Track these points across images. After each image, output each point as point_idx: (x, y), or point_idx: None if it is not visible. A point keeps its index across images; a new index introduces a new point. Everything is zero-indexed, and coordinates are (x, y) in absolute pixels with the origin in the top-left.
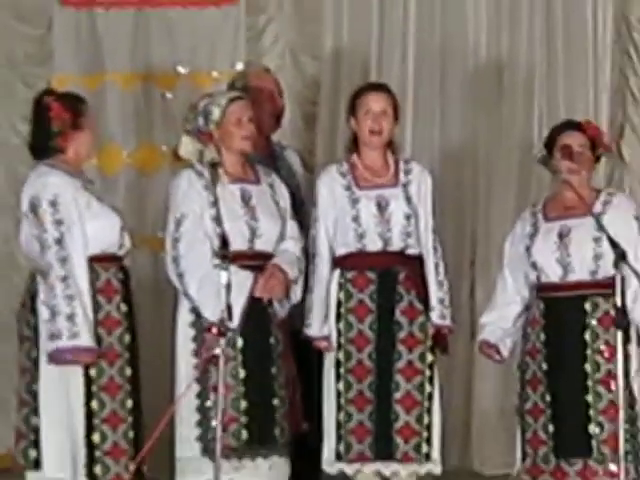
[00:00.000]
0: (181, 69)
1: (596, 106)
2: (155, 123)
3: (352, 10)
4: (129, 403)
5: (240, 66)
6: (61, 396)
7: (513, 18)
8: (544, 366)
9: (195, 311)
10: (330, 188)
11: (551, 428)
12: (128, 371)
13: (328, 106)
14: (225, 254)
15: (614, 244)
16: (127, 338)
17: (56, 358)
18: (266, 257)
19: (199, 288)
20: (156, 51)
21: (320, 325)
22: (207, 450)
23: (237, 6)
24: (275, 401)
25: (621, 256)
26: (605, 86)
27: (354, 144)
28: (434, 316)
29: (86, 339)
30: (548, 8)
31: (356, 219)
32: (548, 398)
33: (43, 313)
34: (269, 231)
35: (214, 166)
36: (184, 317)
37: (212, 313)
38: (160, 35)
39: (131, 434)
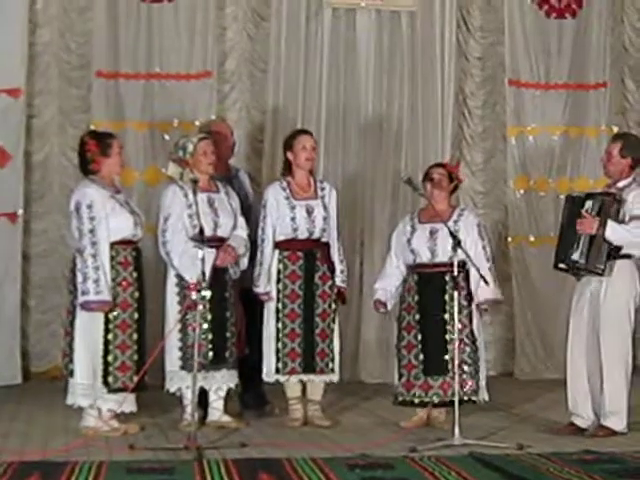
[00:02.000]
0: (175, 119)
1: (442, 148)
2: (157, 154)
3: (286, 82)
4: (135, 336)
5: (213, 117)
6: (89, 330)
7: (389, 89)
8: (417, 316)
9: (179, 276)
10: (275, 197)
11: (421, 357)
12: (135, 315)
13: (270, 143)
14: (202, 239)
15: (453, 235)
16: (136, 294)
17: (85, 307)
18: (224, 240)
19: (179, 261)
20: (158, 108)
21: (265, 285)
22: (185, 366)
23: (211, 79)
24: (228, 334)
25: (457, 243)
26: (448, 135)
27: (288, 169)
28: (338, 280)
29: (105, 295)
30: (412, 83)
31: (293, 219)
32: (419, 337)
33: (79, 277)
34: (226, 224)
35: (195, 182)
36: (171, 280)
37: (190, 276)
38: (161, 97)
39: (135, 357)
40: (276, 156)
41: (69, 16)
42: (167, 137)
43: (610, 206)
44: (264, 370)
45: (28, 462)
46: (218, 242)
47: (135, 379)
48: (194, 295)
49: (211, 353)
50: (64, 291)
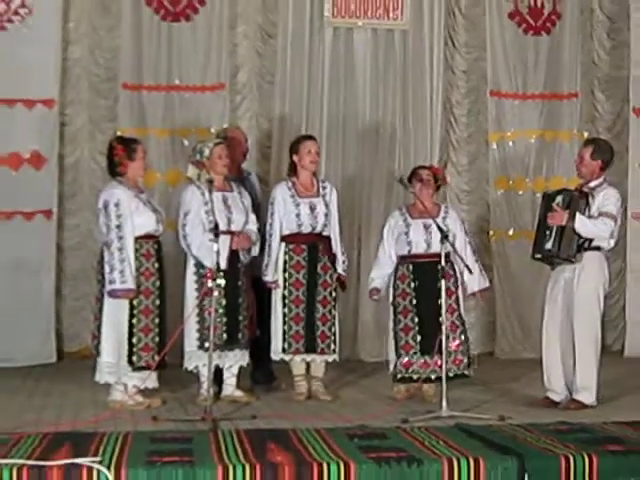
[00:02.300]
0: (192, 127)
1: (432, 151)
2: (177, 158)
3: (291, 93)
4: (156, 320)
5: (225, 125)
6: (115, 315)
7: (384, 99)
8: (414, 302)
9: (197, 265)
10: (282, 196)
11: (418, 338)
12: (157, 302)
13: (277, 147)
14: (216, 232)
15: (440, 230)
16: (157, 283)
17: (112, 294)
18: (236, 233)
19: (198, 250)
20: (177, 116)
21: (272, 274)
22: (202, 346)
23: (224, 90)
24: (240, 317)
25: (444, 237)
26: (437, 140)
27: (294, 170)
28: (339, 269)
29: (130, 284)
30: (405, 93)
31: (298, 215)
32: (416, 320)
33: (106, 268)
34: (238, 219)
35: (210, 182)
36: (190, 268)
37: (209, 263)
38: (180, 107)
39: (157, 339)
40: (282, 159)
41: (98, 34)
42: (186, 142)
43: (578, 201)
44: (272, 349)
45: (61, 432)
46: (231, 235)
47: (157, 358)
48: (210, 283)
49: (225, 335)
50: (93, 281)
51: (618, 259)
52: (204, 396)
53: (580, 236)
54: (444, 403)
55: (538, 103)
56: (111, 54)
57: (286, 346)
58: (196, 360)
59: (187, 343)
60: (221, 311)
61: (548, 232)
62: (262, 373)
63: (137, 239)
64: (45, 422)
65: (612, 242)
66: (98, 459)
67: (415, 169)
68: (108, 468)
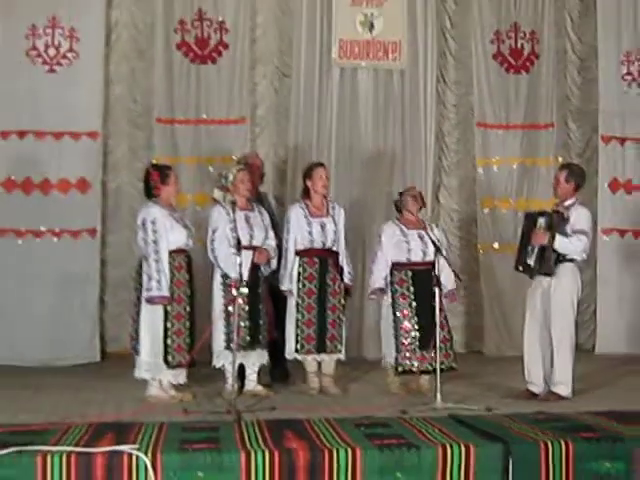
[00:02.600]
0: (217, 155)
1: (426, 175)
2: (204, 182)
3: (304, 126)
4: (187, 324)
5: (246, 152)
6: (152, 319)
7: (384, 130)
8: (413, 304)
9: (223, 276)
10: (296, 215)
11: (417, 335)
12: (188, 308)
13: (291, 173)
14: (239, 247)
15: (434, 243)
16: (188, 291)
17: (149, 301)
18: (257, 248)
19: (224, 263)
20: (204, 146)
21: (288, 284)
22: (228, 346)
23: (246, 123)
24: (261, 322)
25: (437, 249)
26: (430, 165)
27: (307, 193)
28: (346, 279)
29: (165, 292)
30: (402, 125)
31: (310, 232)
32: (415, 320)
33: (144, 277)
34: (258, 236)
35: (234, 203)
36: (217, 279)
37: (233, 274)
38: (207, 138)
39: (188, 340)
40: (296, 182)
41: (135, 75)
42: (211, 169)
43: (558, 222)
44: (286, 350)
45: (104, 423)
46: (253, 249)
47: (187, 358)
48: (234, 291)
49: (248, 337)
50: (132, 289)
51: (589, 269)
52: (229, 390)
53: (558, 253)
54: (438, 396)
55: (519, 133)
56: (147, 92)
57: (299, 347)
58: (223, 359)
59: (215, 344)
60: (244, 316)
61: (530, 249)
62: (279, 371)
63: (170, 253)
64: (90, 414)
65: (584, 255)
66: (136, 446)
67: (404, 192)
68: (145, 454)
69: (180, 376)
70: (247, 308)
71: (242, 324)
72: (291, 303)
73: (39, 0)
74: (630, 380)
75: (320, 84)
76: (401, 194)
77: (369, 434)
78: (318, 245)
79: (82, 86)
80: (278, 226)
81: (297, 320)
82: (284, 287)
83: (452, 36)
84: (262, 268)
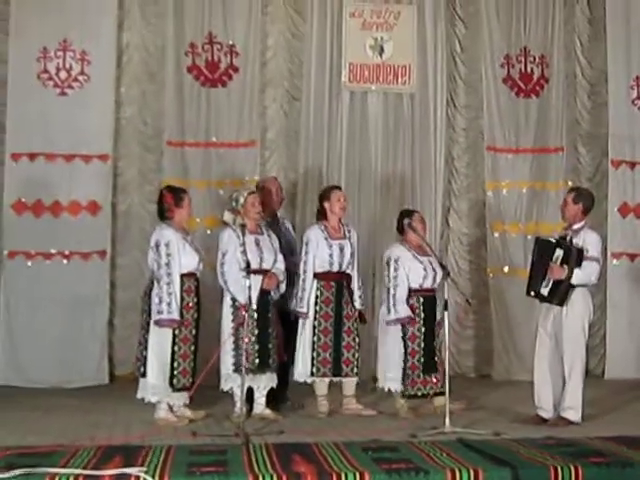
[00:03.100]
0: (227, 178)
1: (435, 199)
2: (214, 205)
3: (314, 149)
4: (192, 348)
5: (257, 177)
6: (160, 342)
7: (394, 153)
8: (422, 329)
9: (233, 299)
10: (316, 237)
11: (423, 360)
12: (194, 332)
13: (301, 195)
14: (248, 270)
15: (444, 267)
16: (195, 315)
17: (159, 323)
18: (267, 271)
19: (234, 287)
20: (214, 169)
21: (307, 307)
22: (237, 369)
23: (256, 147)
24: (270, 345)
25: (447, 273)
26: (440, 189)
27: (324, 215)
28: (357, 304)
29: (175, 315)
30: (412, 149)
31: (330, 255)
32: (422, 345)
33: (154, 299)
34: (268, 259)
35: (243, 227)
36: (227, 302)
37: (241, 298)
38: (216, 161)
39: (192, 364)
40: (306, 205)
41: (146, 97)
42: (221, 192)
43: (575, 257)
44: (297, 372)
45: (113, 446)
46: (263, 273)
47: (191, 381)
48: (244, 314)
49: (257, 360)
50: (139, 311)
51: (599, 293)
52: (237, 414)
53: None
54: (447, 420)
55: (528, 157)
56: (157, 115)
57: (315, 370)
58: (231, 382)
59: (223, 367)
60: (254, 339)
61: (545, 280)
62: (279, 395)
63: (181, 276)
64: (99, 437)
65: (595, 280)
66: (144, 469)
67: (410, 212)
68: (153, 477)
69: (182, 398)
70: (257, 331)
71: (251, 347)
72: (306, 325)
73: (50, 23)
74: None
75: (330, 107)
76: (403, 216)
77: (377, 458)
78: (335, 268)
79: (93, 109)
80: (295, 252)
81: (313, 343)
82: (302, 309)
83: (462, 60)
84: (272, 292)
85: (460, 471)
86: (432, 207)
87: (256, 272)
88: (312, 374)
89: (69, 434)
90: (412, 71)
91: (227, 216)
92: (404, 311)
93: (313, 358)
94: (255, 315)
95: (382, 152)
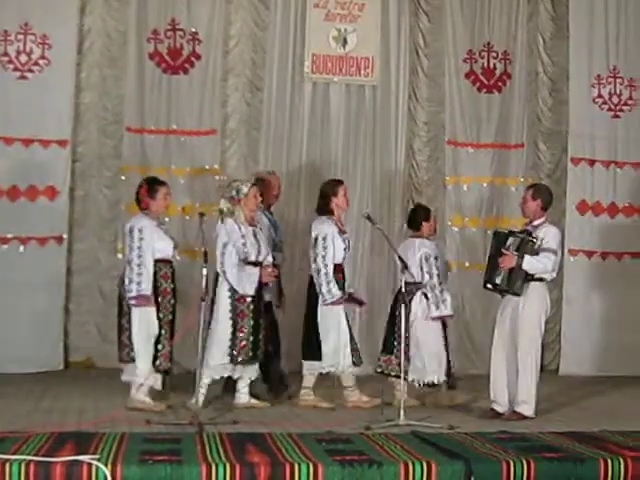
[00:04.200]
0: (187, 167)
1: (395, 192)
2: (173, 192)
3: (275, 138)
4: (170, 333)
5: (217, 166)
6: (145, 327)
7: (355, 145)
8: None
9: (231, 289)
10: (332, 232)
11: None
12: (171, 317)
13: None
14: (251, 262)
15: (402, 260)
16: (172, 301)
17: (131, 302)
18: (262, 265)
19: (233, 277)
20: (174, 157)
21: (339, 292)
22: (233, 360)
23: (216, 135)
24: (260, 336)
25: (404, 266)
26: (400, 182)
27: (330, 209)
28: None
29: (146, 292)
30: (373, 141)
31: (345, 249)
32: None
33: (126, 282)
34: (264, 251)
35: (232, 213)
36: (224, 291)
37: (240, 288)
38: (177, 149)
39: (169, 347)
40: None
41: (106, 83)
42: (181, 180)
43: (527, 243)
44: (331, 362)
45: (65, 432)
46: (260, 265)
47: (169, 365)
48: (243, 306)
49: (250, 352)
50: (97, 298)
51: (556, 290)
52: (193, 402)
53: (527, 273)
54: (402, 412)
55: (489, 151)
56: (117, 100)
57: (355, 360)
58: (225, 371)
59: (216, 357)
60: (250, 331)
61: (499, 269)
62: (275, 383)
63: (156, 262)
64: (52, 423)
65: (554, 274)
66: (97, 456)
67: (423, 207)
68: (105, 464)
69: (158, 382)
70: (252, 322)
71: (247, 338)
72: (339, 314)
73: (11, 6)
74: (593, 401)
75: (292, 98)
76: (418, 210)
77: (331, 450)
78: (344, 261)
79: (53, 93)
80: (277, 247)
81: (351, 333)
82: (338, 296)
83: (425, 54)
84: (270, 284)
85: (413, 464)
86: (392, 200)
87: (255, 264)
88: (354, 364)
89: (21, 420)
90: (375, 63)
91: (223, 204)
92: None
93: (352, 349)
94: (251, 307)
95: (343, 144)
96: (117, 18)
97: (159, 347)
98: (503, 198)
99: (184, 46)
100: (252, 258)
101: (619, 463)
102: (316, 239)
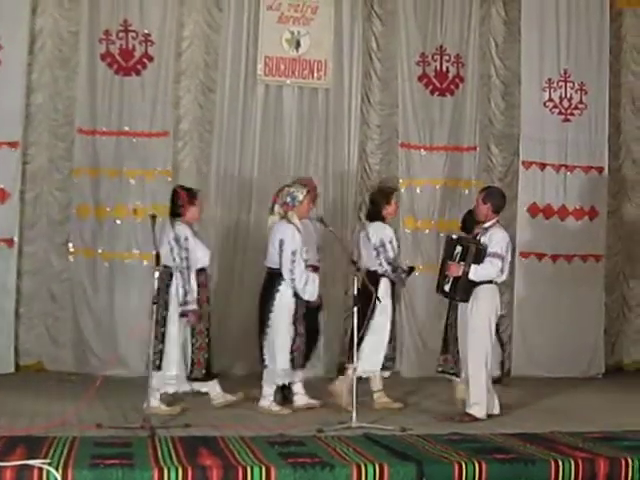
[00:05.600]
0: (138, 169)
1: (348, 195)
2: (124, 195)
3: (227, 140)
4: (207, 340)
5: (169, 168)
6: (179, 334)
7: (308, 148)
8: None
9: (295, 295)
10: (393, 236)
11: None
12: (207, 325)
13: (215, 189)
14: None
15: (354, 262)
16: (208, 309)
17: (185, 314)
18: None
19: (301, 284)
20: (126, 159)
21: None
22: (294, 365)
23: (169, 137)
24: (309, 340)
25: (357, 269)
26: (353, 185)
27: (382, 216)
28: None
29: (197, 307)
30: (326, 144)
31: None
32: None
33: (180, 291)
34: (314, 256)
35: (288, 220)
36: (287, 296)
37: (307, 296)
38: (128, 151)
39: (206, 355)
40: (218, 200)
41: (57, 84)
42: (132, 181)
43: (473, 252)
44: (373, 366)
45: (15, 437)
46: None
47: (204, 372)
48: (302, 311)
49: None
50: (47, 302)
51: (507, 292)
52: (147, 406)
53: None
54: (354, 415)
55: (442, 154)
56: (69, 102)
57: (391, 364)
58: (287, 377)
59: (279, 363)
60: (304, 335)
61: (447, 278)
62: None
63: (196, 271)
64: (1, 427)
65: (503, 276)
66: (48, 461)
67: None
68: (57, 469)
69: (183, 386)
70: (304, 326)
71: (302, 342)
72: (384, 317)
73: None
74: (544, 403)
75: (245, 100)
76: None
77: (283, 452)
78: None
79: (3, 94)
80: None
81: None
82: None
83: (378, 57)
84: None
85: (366, 466)
86: (345, 203)
87: (314, 269)
88: (386, 368)
89: None
90: (328, 66)
91: (277, 209)
92: None
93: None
94: (304, 311)
95: (296, 146)
96: (69, 18)
97: (192, 356)
98: (455, 201)
99: (136, 47)
100: (313, 262)
101: (570, 464)
102: (383, 244)
